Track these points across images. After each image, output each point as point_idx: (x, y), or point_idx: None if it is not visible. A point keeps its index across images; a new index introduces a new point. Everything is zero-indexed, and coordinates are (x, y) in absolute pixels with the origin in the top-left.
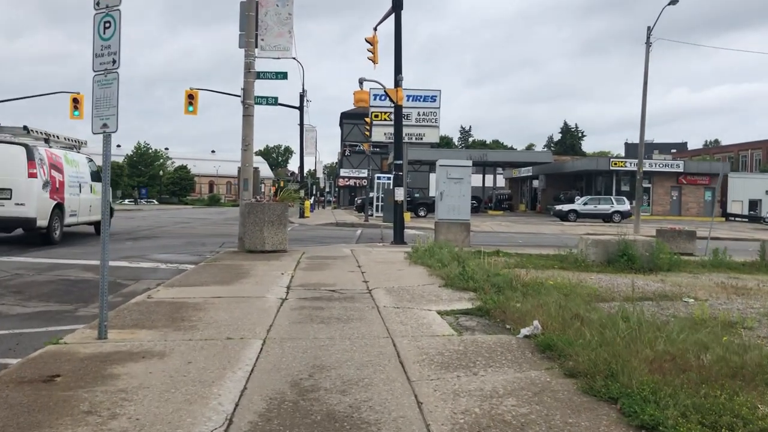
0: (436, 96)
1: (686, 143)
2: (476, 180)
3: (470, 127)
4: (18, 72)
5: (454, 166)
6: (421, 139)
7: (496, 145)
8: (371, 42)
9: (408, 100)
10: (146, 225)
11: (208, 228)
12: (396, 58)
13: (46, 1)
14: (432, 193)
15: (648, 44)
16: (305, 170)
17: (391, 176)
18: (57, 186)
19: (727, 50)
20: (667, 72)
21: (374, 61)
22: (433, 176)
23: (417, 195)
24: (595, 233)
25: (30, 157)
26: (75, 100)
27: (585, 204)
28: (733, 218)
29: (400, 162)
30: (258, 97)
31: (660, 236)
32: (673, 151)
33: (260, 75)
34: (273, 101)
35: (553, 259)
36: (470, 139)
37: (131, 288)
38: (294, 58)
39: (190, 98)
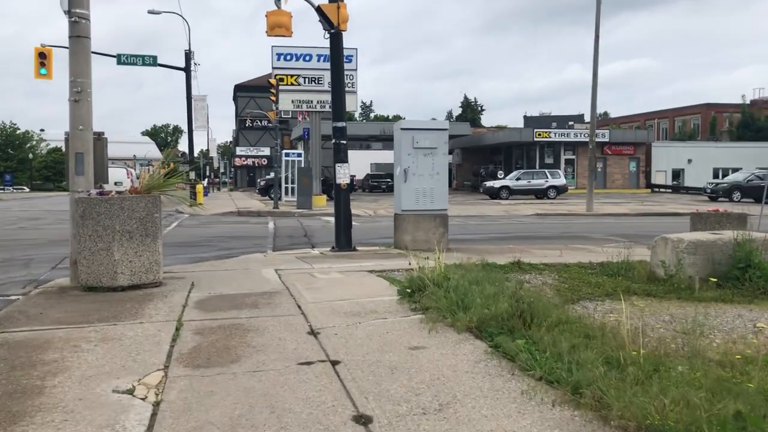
0: (352, 56)
1: (583, 115)
2: (384, 156)
3: (371, 102)
4: None
5: (424, 129)
6: None
7: (398, 119)
8: None
9: (319, 61)
10: None
11: (59, 227)
12: None
13: None
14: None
15: None
16: (197, 149)
17: (301, 153)
18: None
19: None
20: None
21: None
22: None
23: (328, 175)
24: (545, 212)
25: None
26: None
27: (518, 179)
28: (657, 189)
29: (343, 124)
30: (130, 55)
31: (699, 222)
32: (571, 123)
33: None
34: (151, 61)
35: (612, 275)
36: (372, 115)
37: None
38: None
39: (42, 58)
